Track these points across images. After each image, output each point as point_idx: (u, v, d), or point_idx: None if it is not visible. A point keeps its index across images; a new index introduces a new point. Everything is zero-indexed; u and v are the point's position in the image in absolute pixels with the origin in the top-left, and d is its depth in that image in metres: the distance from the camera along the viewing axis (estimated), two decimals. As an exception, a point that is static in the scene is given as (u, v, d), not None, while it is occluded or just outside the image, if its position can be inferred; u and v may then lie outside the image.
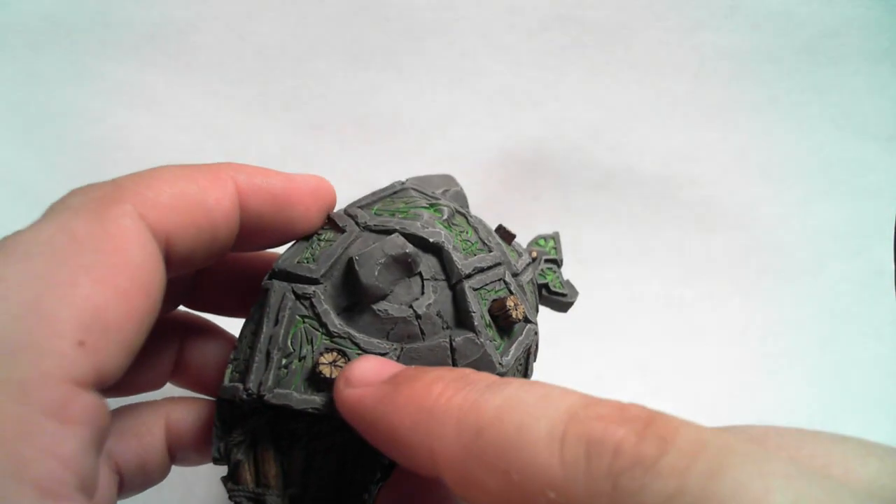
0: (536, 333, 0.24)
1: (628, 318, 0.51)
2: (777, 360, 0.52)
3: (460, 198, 0.29)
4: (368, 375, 0.19)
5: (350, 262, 0.21)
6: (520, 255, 0.27)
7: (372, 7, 0.46)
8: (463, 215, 0.25)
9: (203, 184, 0.22)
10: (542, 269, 0.30)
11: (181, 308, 0.28)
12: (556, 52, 0.48)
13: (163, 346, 0.26)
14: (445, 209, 0.24)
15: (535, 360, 0.25)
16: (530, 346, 0.24)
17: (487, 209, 0.50)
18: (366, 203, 0.25)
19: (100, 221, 0.18)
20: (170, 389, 0.27)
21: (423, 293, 0.22)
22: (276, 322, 0.22)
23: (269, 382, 0.21)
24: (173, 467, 0.25)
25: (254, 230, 0.23)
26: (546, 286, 0.30)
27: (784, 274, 0.53)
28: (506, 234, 0.27)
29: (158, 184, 0.21)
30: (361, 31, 0.47)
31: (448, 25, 0.47)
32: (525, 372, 0.25)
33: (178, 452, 0.25)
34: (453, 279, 0.22)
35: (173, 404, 0.25)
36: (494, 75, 0.48)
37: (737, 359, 0.51)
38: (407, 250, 0.21)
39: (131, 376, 0.25)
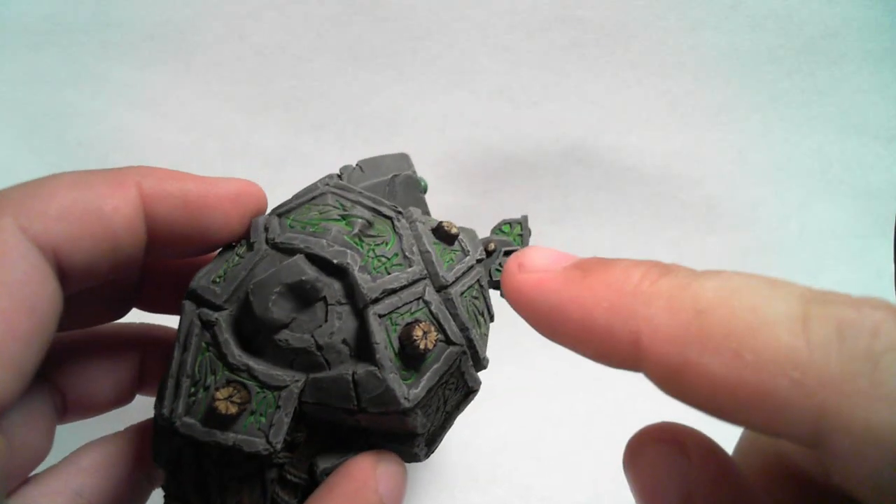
0: (463, 352, 0.22)
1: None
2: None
3: (411, 183, 0.27)
4: (545, 262, 0.18)
5: (246, 291, 0.20)
6: (464, 254, 0.24)
7: (372, 7, 0.46)
8: (389, 218, 0.23)
9: (101, 191, 0.20)
10: (499, 264, 0.27)
11: (138, 319, 0.27)
12: (556, 52, 0.48)
13: (122, 360, 0.26)
14: (358, 222, 0.22)
15: (475, 382, 0.23)
16: (451, 371, 0.22)
17: (487, 209, 0.51)
18: (285, 209, 0.23)
19: None
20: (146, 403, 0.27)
21: (326, 320, 0.20)
22: (185, 348, 0.21)
23: (180, 410, 0.20)
24: None
25: (164, 239, 0.22)
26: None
27: (784, 274, 0.52)
28: (446, 236, 0.24)
29: (47, 193, 0.19)
30: (361, 31, 0.47)
31: (448, 25, 0.47)
32: (446, 415, 0.23)
33: (156, 478, 0.24)
34: (359, 304, 0.20)
35: (142, 429, 0.25)
36: (494, 75, 0.48)
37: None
38: (303, 278, 0.20)
39: (93, 394, 0.25)
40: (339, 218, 0.22)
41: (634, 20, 0.47)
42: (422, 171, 0.52)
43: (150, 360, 0.27)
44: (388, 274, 0.21)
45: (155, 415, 0.22)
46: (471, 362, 0.23)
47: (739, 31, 0.48)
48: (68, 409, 0.25)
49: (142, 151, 0.47)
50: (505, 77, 0.48)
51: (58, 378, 0.24)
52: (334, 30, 0.46)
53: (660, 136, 0.50)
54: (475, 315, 0.24)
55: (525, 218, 0.29)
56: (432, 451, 0.23)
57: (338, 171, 0.26)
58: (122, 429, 0.26)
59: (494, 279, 0.26)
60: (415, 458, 0.22)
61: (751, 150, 0.51)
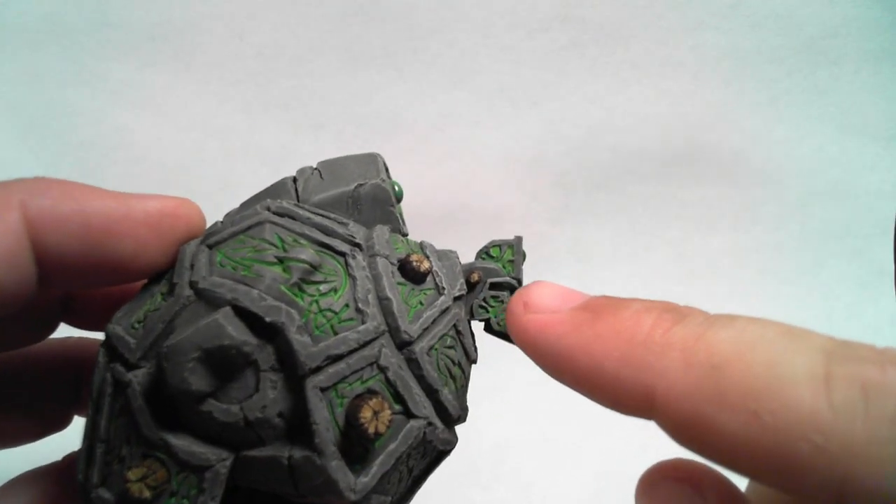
0: (429, 424, 0.18)
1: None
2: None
3: (379, 194, 0.22)
4: (552, 301, 0.17)
5: (157, 356, 0.17)
6: (438, 292, 0.20)
7: (372, 7, 0.46)
8: (342, 255, 0.19)
9: None
10: (483, 300, 0.22)
11: (73, 333, 0.25)
12: (556, 52, 0.48)
13: (49, 384, 0.23)
14: (298, 267, 0.18)
15: (447, 444, 0.20)
16: (411, 449, 0.18)
17: (487, 209, 0.51)
18: (217, 240, 0.20)
19: None
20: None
21: (257, 390, 0.17)
22: (97, 409, 0.18)
23: (95, 479, 0.18)
24: None
25: (61, 272, 0.18)
26: (488, 323, 0.22)
27: (784, 274, 0.53)
28: (414, 275, 0.20)
29: None
30: (361, 31, 0.47)
31: (448, 25, 0.47)
32: (413, 480, 0.20)
33: None
34: (296, 373, 0.17)
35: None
36: (494, 75, 0.48)
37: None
38: (225, 343, 0.16)
39: (16, 425, 0.23)
40: (275, 261, 0.18)
41: (634, 20, 0.47)
42: (421, 170, 0.52)
43: (88, 378, 0.24)
44: (335, 334, 0.17)
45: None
46: (440, 428, 0.19)
47: (739, 31, 0.48)
48: None
49: (142, 151, 0.47)
50: (505, 77, 0.48)
51: None
52: (334, 30, 0.46)
53: (660, 135, 0.50)
54: (447, 369, 0.20)
55: (518, 240, 0.24)
56: None
57: (293, 175, 0.23)
58: (60, 454, 0.23)
59: (478, 317, 0.22)
60: None
61: (751, 151, 0.51)
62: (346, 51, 0.47)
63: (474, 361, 0.22)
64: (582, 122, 0.49)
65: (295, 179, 0.22)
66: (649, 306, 0.16)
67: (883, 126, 0.51)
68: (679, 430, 0.14)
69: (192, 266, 0.19)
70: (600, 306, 0.16)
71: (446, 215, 0.49)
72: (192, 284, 0.18)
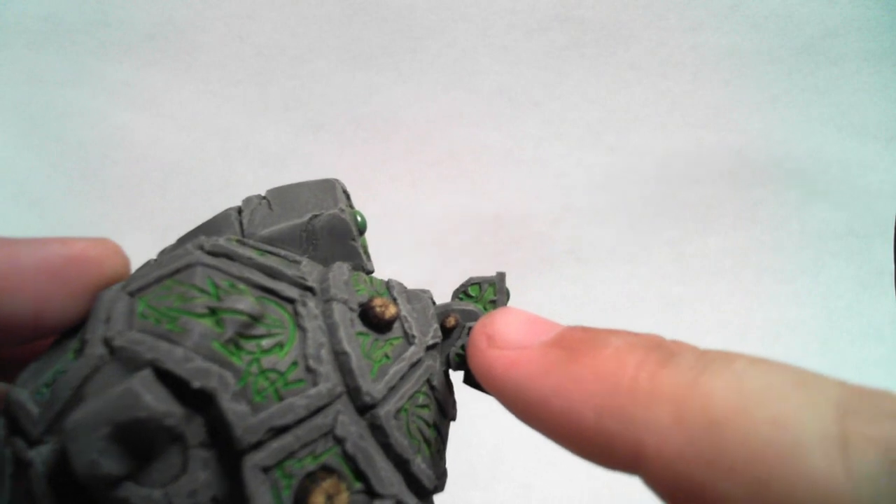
0: (397, 503, 0.16)
1: (628, 317, 0.51)
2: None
3: (338, 226, 0.19)
4: (520, 335, 0.15)
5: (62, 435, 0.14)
6: (408, 342, 0.17)
7: (371, 7, 0.46)
8: (290, 302, 0.16)
9: None
10: (461, 347, 0.19)
11: None
12: (556, 52, 0.48)
13: None
14: (231, 321, 0.15)
15: None
16: None
17: (487, 209, 0.51)
18: (140, 285, 0.16)
19: None
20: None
21: (185, 471, 0.14)
22: None
23: None
24: None
25: None
26: (468, 374, 0.19)
27: (784, 274, 0.53)
28: (378, 323, 0.17)
29: None
30: (361, 31, 0.47)
31: (448, 25, 0.47)
32: None
33: None
34: (233, 447, 0.14)
35: None
36: (494, 75, 0.48)
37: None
38: (141, 415, 0.13)
39: None
40: (206, 311, 0.15)
41: (634, 20, 0.47)
42: (421, 171, 0.51)
43: None
44: (280, 400, 0.14)
45: None
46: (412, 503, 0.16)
47: (739, 31, 0.48)
48: None
49: (142, 151, 0.47)
50: (505, 77, 0.48)
51: None
52: (334, 30, 0.46)
53: (660, 136, 0.50)
54: (420, 432, 0.17)
55: (501, 276, 0.21)
56: None
57: (239, 205, 0.20)
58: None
59: (455, 368, 0.19)
60: None
61: (751, 150, 0.51)
62: (346, 51, 0.47)
63: (453, 419, 0.19)
64: (582, 122, 0.49)
65: (240, 210, 0.19)
66: (633, 343, 0.14)
67: (883, 126, 0.51)
68: (671, 494, 0.12)
69: (108, 318, 0.16)
70: (576, 342, 0.14)
71: (446, 216, 0.49)
72: (107, 341, 0.15)
